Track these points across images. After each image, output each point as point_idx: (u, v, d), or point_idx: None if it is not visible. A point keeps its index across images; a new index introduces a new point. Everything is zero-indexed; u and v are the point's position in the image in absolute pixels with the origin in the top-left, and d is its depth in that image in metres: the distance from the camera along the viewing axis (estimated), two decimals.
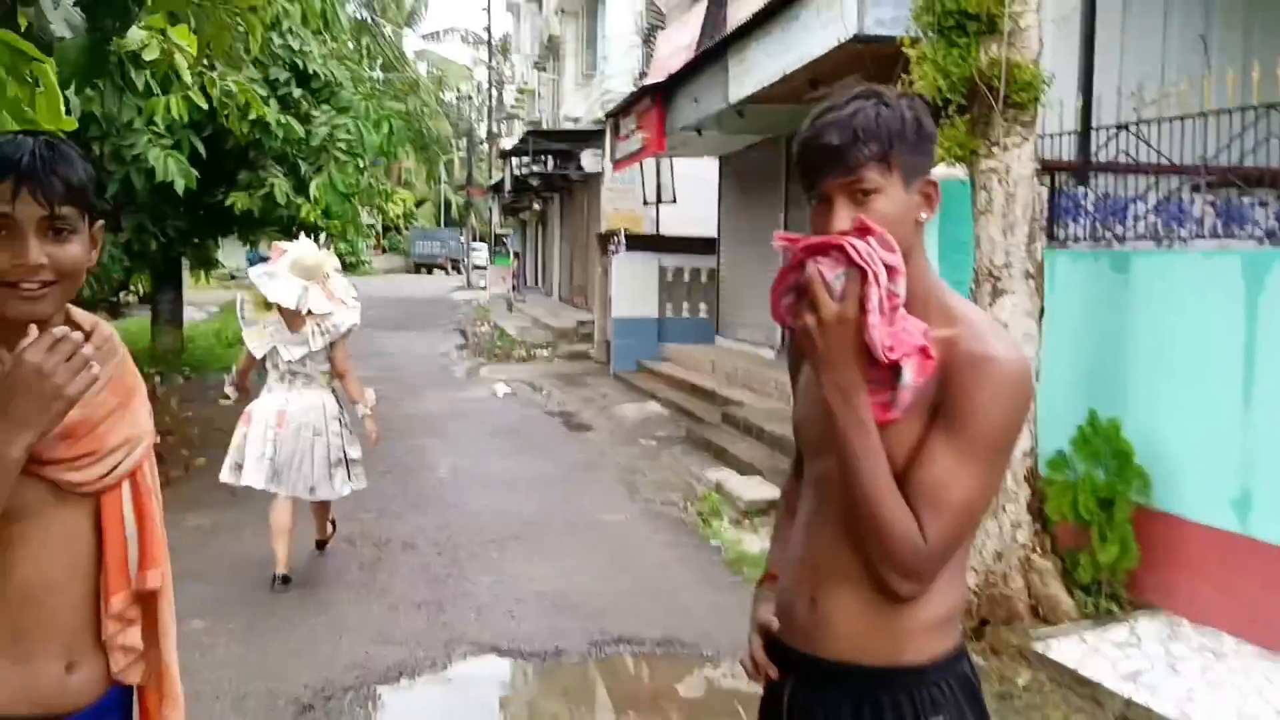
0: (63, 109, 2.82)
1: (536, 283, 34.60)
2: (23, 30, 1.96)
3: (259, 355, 5.83)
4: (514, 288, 32.20)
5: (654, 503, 7.91)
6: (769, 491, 7.59)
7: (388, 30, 43.37)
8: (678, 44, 13.23)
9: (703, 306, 15.82)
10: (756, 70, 9.27)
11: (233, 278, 43.14)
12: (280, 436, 5.73)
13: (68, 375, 1.50)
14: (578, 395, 13.78)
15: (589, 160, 20.70)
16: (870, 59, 7.26)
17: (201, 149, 7.66)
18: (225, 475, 5.97)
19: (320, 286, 5.73)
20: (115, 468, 1.72)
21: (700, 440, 9.86)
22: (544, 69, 29.76)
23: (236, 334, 18.43)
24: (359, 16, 37.51)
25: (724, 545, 6.72)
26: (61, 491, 1.65)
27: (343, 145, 8.25)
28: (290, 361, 5.75)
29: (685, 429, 10.67)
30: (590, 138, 20.67)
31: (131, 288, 20.03)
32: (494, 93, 53.20)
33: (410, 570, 6.23)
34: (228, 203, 8.25)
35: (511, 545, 6.75)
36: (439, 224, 66.60)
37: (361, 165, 8.79)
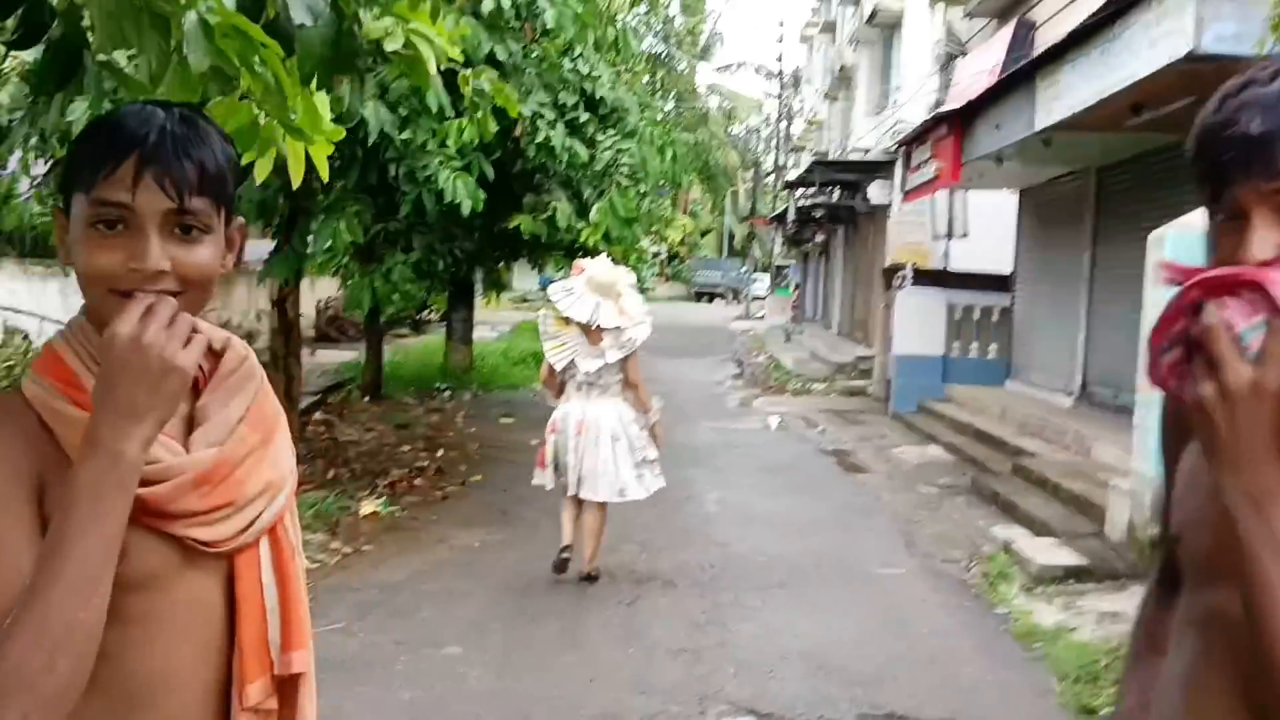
0: (326, 113, 2.67)
1: (815, 315, 34.05)
2: (264, 21, 1.78)
3: (559, 367, 6.19)
4: (793, 319, 31.81)
5: (933, 558, 7.30)
6: (1065, 557, 6.84)
7: (682, 65, 44.28)
8: (979, 69, 12.50)
9: (993, 347, 14.87)
10: (1069, 94, 8.51)
11: (524, 300, 45.09)
12: (582, 443, 6.10)
13: (175, 343, 1.18)
14: (854, 433, 13.21)
15: (876, 191, 20.05)
16: (1204, 80, 6.45)
17: (490, 172, 7.74)
18: (536, 479, 6.49)
19: (614, 303, 6.03)
20: (254, 521, 1.36)
21: (986, 491, 9.12)
22: (834, 99, 29.31)
23: (522, 353, 19.03)
24: (655, 51, 38.50)
25: (1012, 614, 6.06)
26: (191, 553, 1.30)
27: (625, 170, 8.16)
28: (587, 373, 6.10)
29: (970, 477, 9.93)
30: (879, 169, 20.03)
31: (431, 306, 20.98)
32: (782, 125, 53.21)
33: (669, 613, 5.94)
34: (511, 225, 8.31)
35: (776, 593, 6.35)
36: (721, 254, 67.18)
37: (643, 191, 8.67)
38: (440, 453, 10.57)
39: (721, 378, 20.15)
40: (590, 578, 6.41)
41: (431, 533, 7.54)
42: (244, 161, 4.26)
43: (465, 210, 7.35)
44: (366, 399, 13.87)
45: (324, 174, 3.33)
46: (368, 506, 8.02)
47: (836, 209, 24.36)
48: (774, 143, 53.37)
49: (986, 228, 17.27)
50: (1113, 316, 11.38)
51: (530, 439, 12.06)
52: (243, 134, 3.15)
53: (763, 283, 55.00)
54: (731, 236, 66.43)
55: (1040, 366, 13.50)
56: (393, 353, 17.80)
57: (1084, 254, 12.13)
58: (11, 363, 12.07)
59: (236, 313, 15.08)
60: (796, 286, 37.87)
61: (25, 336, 12.20)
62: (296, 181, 3.42)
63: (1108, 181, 11.78)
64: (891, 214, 20.09)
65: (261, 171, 3.39)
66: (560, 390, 6.31)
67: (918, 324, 14.77)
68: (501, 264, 15.58)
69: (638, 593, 6.28)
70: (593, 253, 14.75)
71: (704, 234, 70.27)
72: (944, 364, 14.80)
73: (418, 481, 9.19)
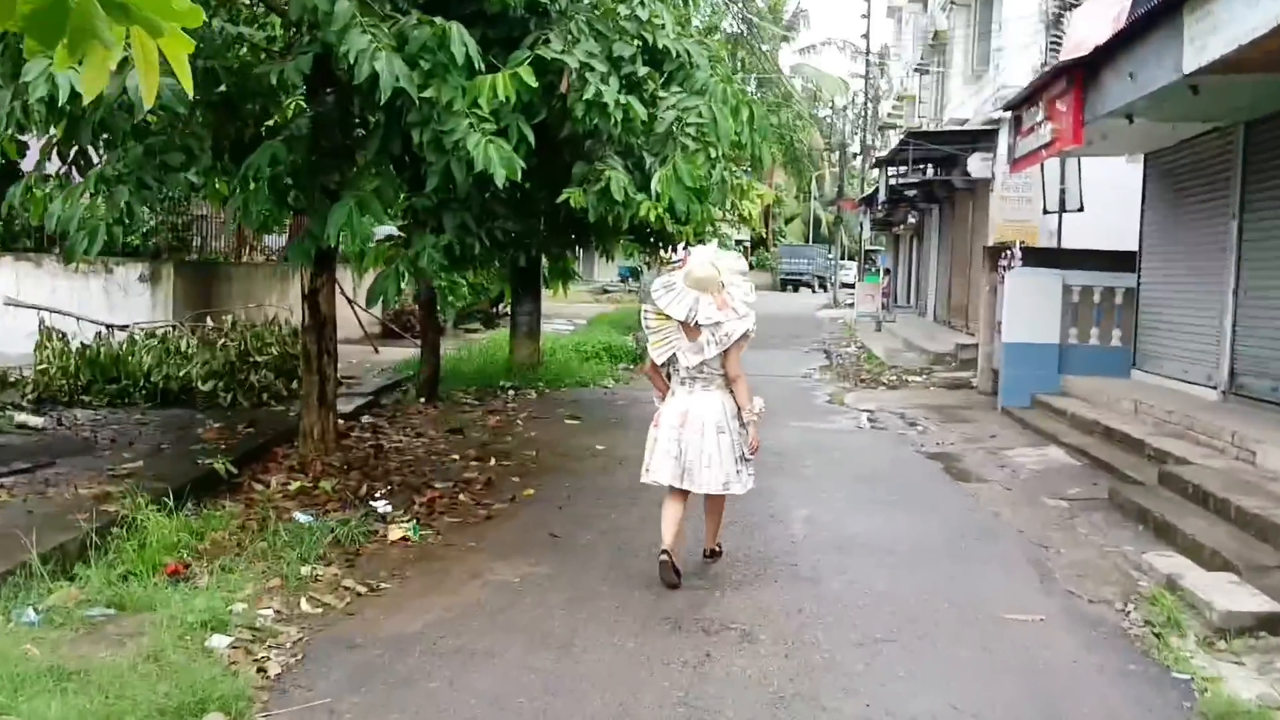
0: None
1: (908, 301, 32.37)
2: None
3: (660, 362, 6.19)
4: (883, 306, 30.23)
5: (1077, 597, 5.89)
6: (1252, 600, 5.39)
7: (765, 46, 42.68)
8: (1101, 17, 10.92)
9: (1115, 333, 13.26)
10: (1231, 25, 6.99)
11: (605, 291, 44.02)
12: (685, 436, 6.02)
13: None
14: (959, 433, 11.76)
15: (976, 165, 18.46)
16: None
17: (530, 135, 6.50)
18: (643, 477, 6.30)
19: (713, 296, 5.96)
20: None
21: (1131, 507, 7.66)
22: (926, 71, 27.60)
23: (595, 347, 17.81)
24: (737, 29, 36.99)
25: (1196, 682, 4.66)
26: None
27: (692, 132, 6.86)
28: (688, 367, 6.07)
29: (1105, 488, 8.45)
30: (980, 139, 18.45)
31: (506, 300, 19.81)
32: (869, 105, 51.26)
33: (745, 681, 4.65)
34: (559, 199, 7.08)
35: (884, 651, 5.03)
36: (807, 241, 65.43)
37: (714, 157, 7.35)
38: (492, 462, 9.41)
39: (809, 369, 18.74)
40: (714, 553, 6.45)
41: (466, 564, 6.36)
42: (54, 67, 3.15)
43: (499, 180, 6.12)
44: (422, 400, 12.79)
45: (187, 85, 2.16)
46: (396, 531, 6.87)
47: (931, 186, 22.76)
48: (860, 123, 51.49)
49: (1101, 200, 15.65)
50: (1269, 296, 9.78)
51: (596, 443, 10.89)
52: (45, 20, 2.04)
53: (850, 270, 53.33)
54: (818, 222, 64.67)
55: (1174, 355, 11.89)
56: (457, 349, 16.74)
57: (1229, 224, 10.51)
58: (45, 365, 11.25)
59: (287, 307, 14.13)
60: (886, 272, 36.24)
61: (63, 336, 11.33)
62: (149, 98, 2.23)
63: (1259, 138, 10.15)
64: (994, 188, 18.51)
65: (92, 83, 2.25)
66: (665, 385, 6.27)
67: (1029, 308, 13.23)
68: (567, 251, 14.42)
69: (707, 648, 5.01)
70: (662, 237, 13.53)
71: (789, 221, 68.55)
72: (1060, 353, 13.24)
73: (461, 498, 8.02)
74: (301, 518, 6.94)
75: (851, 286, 48.85)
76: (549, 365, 15.79)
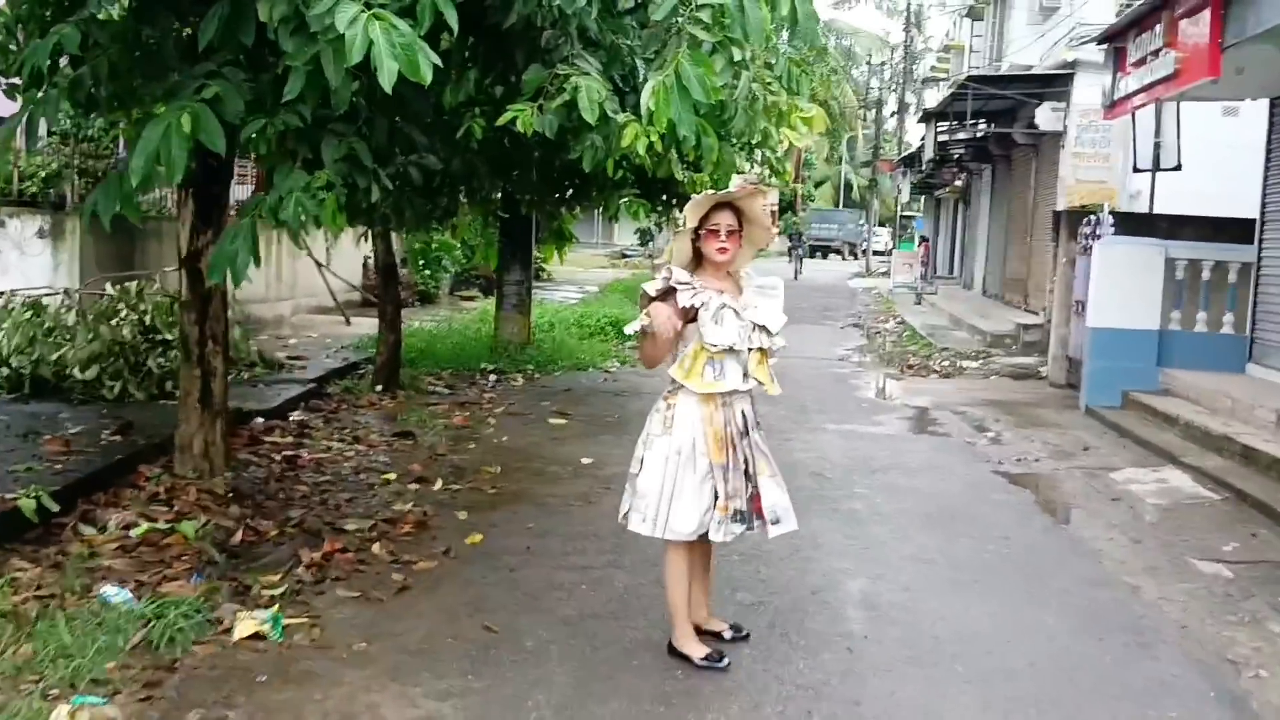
0: None
1: (950, 272, 29.81)
2: None
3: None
4: (921, 277, 27.71)
5: None
6: None
7: None
8: None
9: (1227, 318, 10.79)
10: None
11: (623, 256, 41.52)
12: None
13: None
14: (1040, 442, 9.35)
15: (1046, 116, 15.87)
16: None
17: (453, 19, 4.09)
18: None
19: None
20: None
21: None
22: (979, 18, 24.87)
23: (599, 321, 15.34)
24: None
25: None
26: None
27: (704, 18, 4.46)
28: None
29: (1273, 543, 6.06)
30: (1048, 86, 15.86)
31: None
32: (908, 59, 48.31)
33: None
34: (501, 120, 4.70)
35: None
36: (836, 205, 62.63)
37: (737, 59, 4.91)
38: (438, 486, 7.09)
39: (846, 350, 16.31)
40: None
41: (337, 691, 4.04)
42: None
43: (386, 80, 3.77)
44: (378, 389, 10.46)
45: None
46: (247, 624, 4.54)
47: (986, 143, 20.15)
48: (897, 81, 48.69)
49: (1200, 158, 13.15)
50: None
51: (582, 454, 8.54)
52: None
53: (882, 236, 50.57)
54: (848, 186, 61.83)
55: None
56: (435, 324, 14.37)
57: None
58: None
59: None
60: (923, 240, 33.66)
61: None
62: None
63: None
64: (1065, 144, 15.96)
65: None
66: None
67: (1123, 286, 10.77)
68: (562, 208, 12.05)
69: None
70: (673, 188, 11.07)
71: (819, 184, 65.66)
72: (1160, 340, 10.79)
73: (376, 549, 5.70)
74: (112, 595, 4.65)
75: (884, 254, 46.35)
76: (542, 344, 13.43)
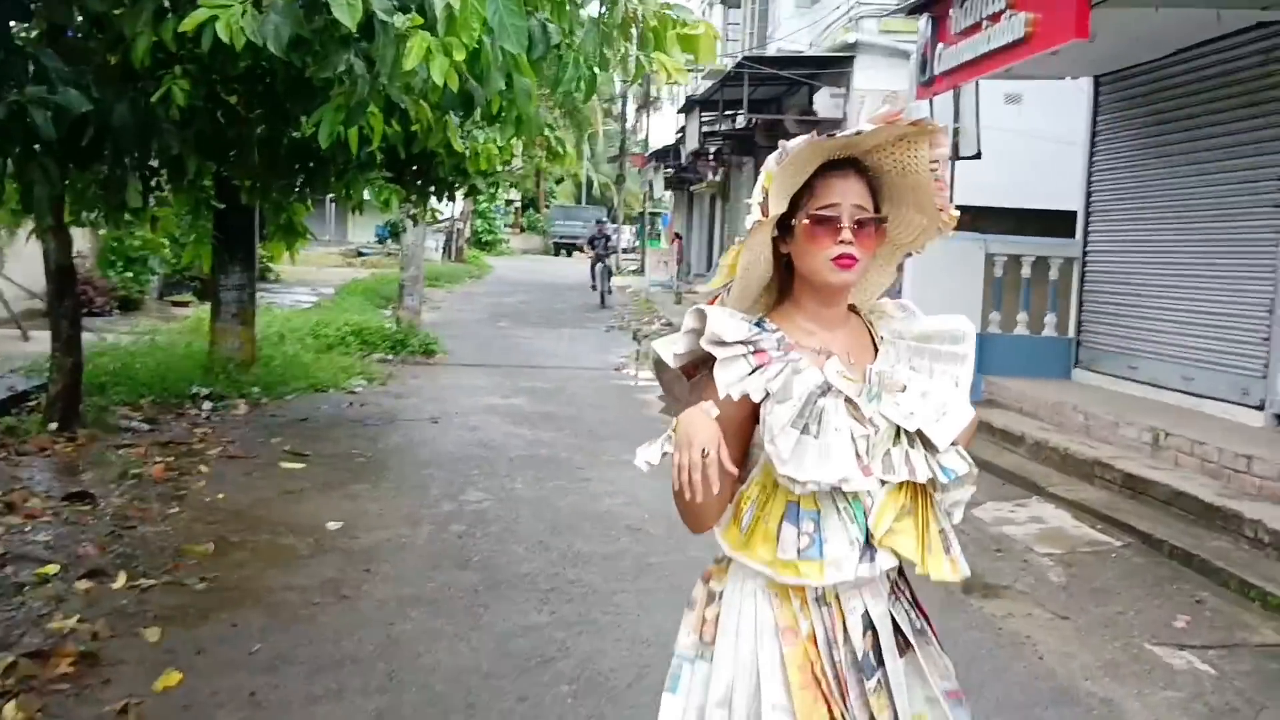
0: None
1: (708, 269, 28.95)
2: None
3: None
4: (678, 275, 26.82)
5: None
6: None
7: None
8: None
9: (1050, 319, 9.91)
10: None
11: (359, 254, 38.58)
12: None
13: None
14: None
15: (825, 102, 14.84)
16: None
17: None
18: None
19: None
20: None
21: None
22: (736, 4, 23.94)
23: (340, 331, 12.99)
24: None
25: None
26: None
27: None
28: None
29: (1223, 609, 4.86)
30: (831, 67, 14.84)
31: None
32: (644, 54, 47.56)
33: None
34: (189, 23, 2.77)
35: None
36: (578, 202, 61.59)
37: None
38: (121, 581, 4.96)
39: (621, 359, 14.77)
40: None
41: None
42: None
43: None
44: (53, 427, 8.00)
45: None
46: None
47: (750, 134, 19.12)
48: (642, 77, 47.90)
49: (1009, 147, 12.50)
50: None
51: (328, 515, 6.45)
52: None
53: (625, 234, 49.72)
54: (589, 184, 60.86)
55: (1145, 351, 8.58)
56: (136, 340, 11.77)
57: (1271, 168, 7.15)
58: None
59: None
60: (676, 236, 32.85)
61: None
62: None
63: None
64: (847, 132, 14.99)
65: None
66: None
67: (942, 285, 9.65)
68: (292, 198, 9.88)
69: None
70: (431, 172, 9.05)
71: (559, 181, 64.46)
72: (980, 346, 9.74)
73: (9, 714, 3.60)
74: None
75: (631, 252, 45.48)
76: (270, 360, 11.13)
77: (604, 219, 28.55)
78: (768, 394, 1.85)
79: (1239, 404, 7.46)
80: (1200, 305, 8.06)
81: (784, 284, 2.01)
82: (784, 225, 1.93)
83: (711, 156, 23.72)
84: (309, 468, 7.45)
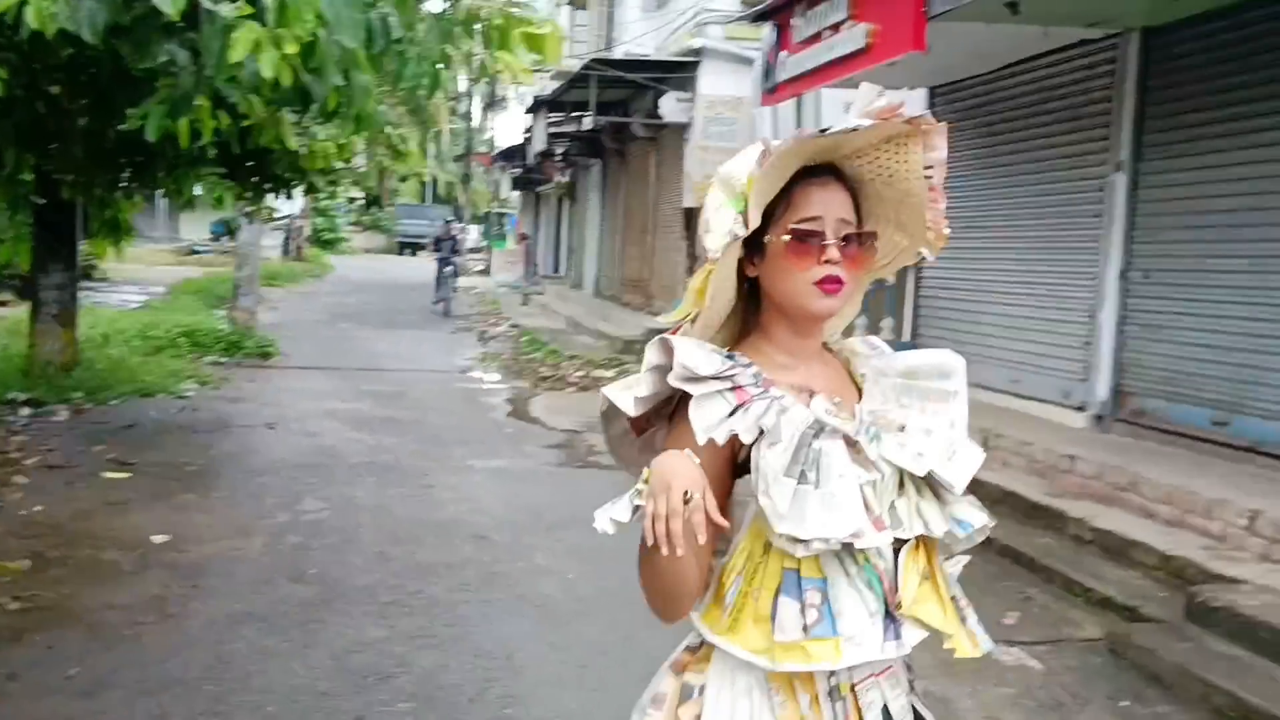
0: None
1: (556, 271, 28.87)
2: None
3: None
4: (525, 275, 26.65)
5: None
6: None
7: None
8: None
9: (887, 322, 10.20)
10: None
11: (193, 253, 37.05)
12: None
13: None
14: None
15: (670, 107, 14.97)
16: None
17: None
18: None
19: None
20: None
21: (1146, 667, 4.26)
22: (583, 6, 23.93)
23: (170, 332, 12.44)
24: None
25: None
26: None
27: None
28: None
29: (1060, 606, 5.07)
30: (677, 71, 14.97)
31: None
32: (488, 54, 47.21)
33: None
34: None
35: None
36: (423, 200, 60.65)
37: None
38: None
39: (466, 361, 14.57)
40: None
41: None
42: None
43: None
44: None
45: None
46: None
47: (597, 136, 19.15)
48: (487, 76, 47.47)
49: None
50: (1160, 281, 6.89)
51: (154, 528, 6.14)
52: None
53: (472, 234, 49.18)
54: (434, 182, 59.99)
55: (986, 356, 8.90)
56: None
57: (1111, 177, 7.49)
58: None
59: None
60: (523, 237, 32.65)
61: None
62: None
63: (1160, 50, 7.16)
64: (691, 137, 15.15)
65: None
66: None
67: None
68: (117, 193, 9.42)
69: None
70: (266, 167, 8.73)
71: (403, 179, 63.37)
72: None
73: None
74: None
75: (476, 252, 45.03)
76: (94, 363, 10.56)
77: (451, 219, 28.00)
78: (761, 432, 1.53)
79: (1062, 405, 7.81)
80: (1027, 310, 8.40)
81: (747, 313, 1.73)
82: (751, 243, 1.63)
83: (559, 158, 23.66)
84: (134, 477, 7.08)
